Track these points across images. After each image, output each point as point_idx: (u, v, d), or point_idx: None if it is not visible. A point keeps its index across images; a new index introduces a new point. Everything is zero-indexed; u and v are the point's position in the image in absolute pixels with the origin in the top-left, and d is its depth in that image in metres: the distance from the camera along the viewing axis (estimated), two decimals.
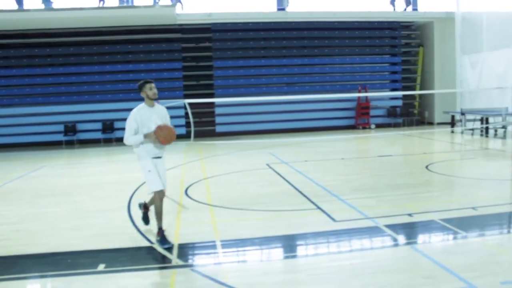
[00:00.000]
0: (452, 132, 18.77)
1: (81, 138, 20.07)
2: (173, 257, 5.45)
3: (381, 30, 23.09)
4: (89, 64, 20.69)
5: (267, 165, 12.08)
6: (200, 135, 19.67)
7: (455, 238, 5.84)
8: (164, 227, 5.92)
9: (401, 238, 5.88)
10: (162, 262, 5.37)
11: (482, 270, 4.63)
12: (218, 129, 21.38)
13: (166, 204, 8.17)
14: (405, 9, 22.76)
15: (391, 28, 23.14)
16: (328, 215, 6.92)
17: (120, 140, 19.82)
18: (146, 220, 6.57)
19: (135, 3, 19.86)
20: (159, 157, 6.03)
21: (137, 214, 7.49)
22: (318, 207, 7.42)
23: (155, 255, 5.58)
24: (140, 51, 21.13)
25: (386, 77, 23.61)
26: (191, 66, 21.61)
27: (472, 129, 17.89)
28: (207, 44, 21.78)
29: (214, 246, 5.78)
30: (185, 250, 5.69)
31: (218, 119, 21.42)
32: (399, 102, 23.11)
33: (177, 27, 21.15)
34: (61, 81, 20.50)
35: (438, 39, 23.10)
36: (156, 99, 6.12)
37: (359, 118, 22.30)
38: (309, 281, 4.62)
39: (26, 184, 11.00)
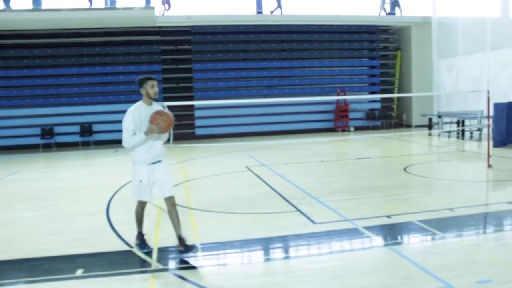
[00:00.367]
0: (430, 134, 19.05)
1: (58, 141, 19.79)
2: (153, 261, 5.41)
3: (359, 34, 23.35)
4: (67, 66, 20.43)
5: (247, 167, 12.08)
6: (179, 138, 19.61)
7: (432, 239, 5.92)
8: (144, 231, 5.86)
9: (380, 240, 5.94)
10: (141, 266, 5.32)
11: (459, 270, 4.70)
12: (198, 132, 21.32)
13: (146, 208, 8.12)
14: (393, 13, 23.05)
15: (369, 32, 23.42)
16: (308, 217, 6.95)
17: (99, 143, 19.88)
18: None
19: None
20: (159, 161, 5.49)
21: (116, 218, 7.43)
22: (298, 210, 7.45)
23: (134, 259, 5.52)
24: (119, 53, 20.97)
25: (364, 80, 23.87)
26: (170, 68, 21.52)
27: (449, 132, 18.18)
28: (186, 46, 21.71)
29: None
30: (165, 254, 5.65)
31: (197, 122, 21.36)
32: (378, 105, 23.38)
33: (156, 29, 21.05)
34: (37, 83, 20.21)
35: (415, 43, 23.47)
36: (155, 99, 5.61)
37: (338, 121, 22.48)
38: (289, 283, 4.63)
39: (2, 188, 10.80)
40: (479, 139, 16.68)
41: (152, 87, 5.43)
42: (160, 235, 6.41)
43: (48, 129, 19.65)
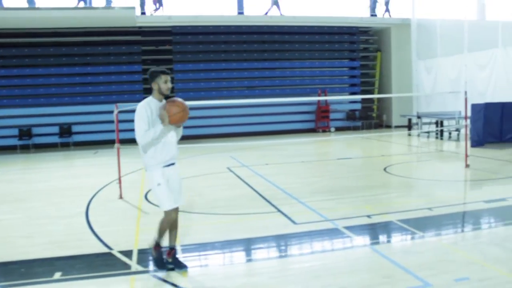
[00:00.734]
0: (409, 135, 19.27)
1: (36, 142, 19.48)
2: (133, 263, 5.35)
3: (340, 35, 23.51)
4: (45, 66, 20.13)
5: (228, 168, 12.05)
6: None
7: (412, 238, 5.99)
8: (128, 236, 5.77)
9: (360, 239, 5.98)
10: (121, 268, 5.26)
11: (437, 268, 4.76)
12: None
13: (125, 209, 8.06)
14: (375, 15, 23.31)
15: (350, 33, 23.60)
16: (289, 218, 6.96)
17: (78, 145, 19.64)
18: (179, 264, 5.13)
19: (94, 5, 19.51)
20: (172, 164, 5.01)
21: (96, 219, 7.34)
22: (279, 210, 7.46)
23: (114, 261, 5.46)
24: (99, 54, 20.75)
25: (345, 81, 24.04)
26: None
27: (428, 132, 18.42)
28: (167, 47, 21.59)
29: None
30: (145, 256, 5.59)
31: None
32: (358, 106, 23.56)
33: (136, 29, 20.89)
34: (14, 83, 19.86)
35: (395, 44, 23.72)
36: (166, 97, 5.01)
37: (319, 122, 22.59)
38: (270, 284, 4.63)
39: None
40: (457, 139, 16.93)
41: (165, 82, 4.91)
42: (140, 236, 6.34)
43: (26, 130, 19.33)
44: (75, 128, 19.80)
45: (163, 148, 4.89)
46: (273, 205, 7.82)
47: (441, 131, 17.86)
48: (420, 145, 16.42)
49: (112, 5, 19.14)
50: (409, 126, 19.97)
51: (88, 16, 18.47)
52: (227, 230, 6.53)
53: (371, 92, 24.35)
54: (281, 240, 6.03)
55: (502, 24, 16.53)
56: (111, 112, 9.13)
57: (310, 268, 5.03)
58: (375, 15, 23.46)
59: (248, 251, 5.83)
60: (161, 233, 5.11)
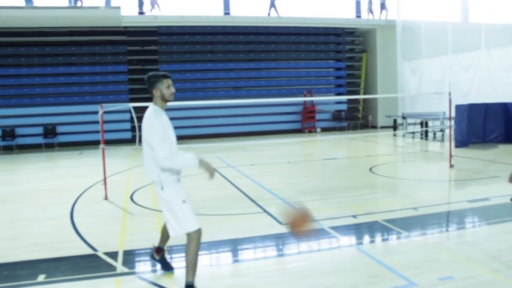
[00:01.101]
0: (394, 135, 19.42)
1: (20, 143, 19.23)
2: (118, 264, 5.31)
3: (326, 36, 23.61)
4: (29, 66, 19.90)
5: (214, 169, 12.00)
6: None
7: (397, 238, 6.03)
8: (113, 235, 5.74)
9: (346, 239, 6.01)
10: (106, 270, 5.21)
11: (422, 267, 4.80)
12: None
13: (111, 210, 8.00)
14: (380, 15, 23.45)
15: (335, 34, 23.72)
16: (275, 218, 6.97)
17: (63, 145, 19.42)
18: (166, 265, 5.02)
19: (79, 4, 19.33)
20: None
21: (81, 221, 7.27)
22: (265, 211, 7.46)
23: (99, 263, 5.41)
24: (84, 53, 20.57)
25: (331, 81, 24.15)
26: (136, 69, 21.24)
27: (413, 133, 18.58)
28: (153, 47, 21.48)
29: None
30: (130, 257, 5.56)
31: None
32: (344, 106, 23.68)
33: (122, 29, 20.75)
34: None
35: (380, 45, 23.89)
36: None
37: (305, 122, 22.66)
38: (256, 284, 4.63)
39: None
40: (442, 140, 17.11)
41: (168, 87, 4.34)
42: (126, 237, 6.30)
43: (9, 131, 19.07)
44: (59, 129, 19.60)
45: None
46: (259, 206, 7.82)
47: (426, 132, 18.04)
48: (405, 146, 16.56)
49: (98, 4, 19.00)
50: (395, 127, 20.13)
51: (73, 15, 18.29)
52: (213, 230, 6.51)
53: (357, 93, 24.50)
54: (267, 241, 6.03)
55: (484, 27, 16.76)
56: (96, 112, 9.04)
57: (296, 268, 5.05)
58: (360, 17, 23.61)
59: (234, 252, 5.82)
60: (194, 266, 4.31)
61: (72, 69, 20.38)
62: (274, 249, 5.81)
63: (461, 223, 6.76)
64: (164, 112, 4.39)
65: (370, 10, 23.56)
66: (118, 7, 18.51)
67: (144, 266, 5.36)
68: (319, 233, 6.22)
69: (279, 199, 8.31)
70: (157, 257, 4.98)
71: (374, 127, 24.12)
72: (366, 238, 6.15)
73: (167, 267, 5.02)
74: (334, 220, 6.75)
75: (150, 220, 7.20)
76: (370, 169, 11.27)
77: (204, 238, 6.09)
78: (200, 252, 5.47)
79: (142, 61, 21.46)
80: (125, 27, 20.73)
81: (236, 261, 5.53)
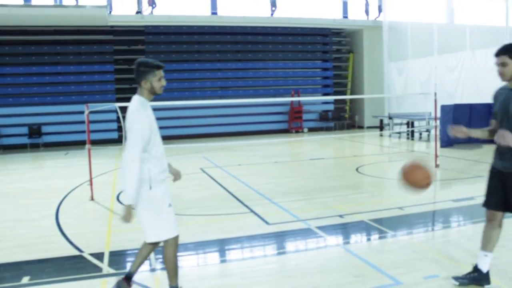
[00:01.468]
0: (381, 135, 19.55)
1: (5, 143, 19.00)
2: (104, 265, 5.28)
3: (313, 36, 23.69)
4: (14, 65, 19.68)
5: (201, 169, 12.01)
6: None
7: (383, 237, 6.07)
8: (100, 238, 5.69)
9: (333, 239, 6.03)
10: (92, 271, 5.17)
11: (407, 266, 4.84)
12: None
13: (97, 211, 7.94)
14: (377, 16, 23.52)
15: (322, 35, 23.81)
16: (261, 218, 6.97)
17: (48, 145, 19.23)
18: None
19: (65, 3, 19.15)
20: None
21: (66, 222, 7.21)
22: (252, 211, 7.46)
23: (84, 264, 5.37)
24: (70, 53, 20.39)
25: (318, 82, 24.24)
26: (123, 69, 21.11)
27: (399, 133, 18.72)
28: (140, 46, 21.37)
29: None
30: (116, 258, 5.53)
31: None
32: (331, 107, 23.79)
33: (108, 28, 20.61)
34: None
35: (367, 46, 24.04)
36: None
37: (292, 122, 22.71)
38: (243, 284, 4.63)
39: None
40: (428, 140, 17.27)
41: (159, 80, 3.93)
42: (112, 238, 6.26)
43: None
44: (45, 129, 19.41)
45: (163, 155, 4.07)
46: (246, 206, 7.82)
47: (412, 132, 18.18)
48: (391, 146, 16.68)
49: (84, 3, 18.83)
50: (381, 127, 20.26)
51: (59, 14, 18.11)
52: (200, 231, 6.50)
53: (344, 93, 24.62)
54: (254, 241, 6.04)
55: (469, 28, 16.95)
56: (82, 112, 8.97)
57: (282, 268, 5.06)
58: (347, 17, 23.72)
59: (221, 252, 5.82)
60: (175, 271, 4.13)
61: (57, 69, 20.20)
62: (261, 249, 5.81)
63: (446, 222, 6.83)
64: (149, 105, 4.01)
65: (367, 12, 23.67)
66: (105, 6, 18.37)
67: (129, 267, 5.32)
68: (306, 233, 6.25)
69: (266, 199, 8.32)
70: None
71: (361, 127, 24.25)
72: (353, 238, 6.19)
73: None
74: (320, 220, 6.78)
75: (136, 221, 7.14)
76: (357, 169, 11.33)
77: (191, 239, 6.10)
78: (187, 253, 5.46)
79: (128, 60, 21.32)
80: (112, 27, 20.59)
81: (223, 261, 5.53)
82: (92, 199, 8.66)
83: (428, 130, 17.91)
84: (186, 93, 21.54)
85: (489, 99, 4.50)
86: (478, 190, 8.51)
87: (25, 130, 19.25)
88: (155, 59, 4.01)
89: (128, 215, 3.80)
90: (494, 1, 16.67)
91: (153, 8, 20.64)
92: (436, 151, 11.27)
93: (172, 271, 4.11)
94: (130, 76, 21.12)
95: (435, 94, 11.43)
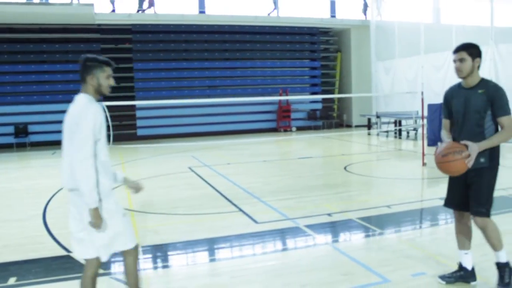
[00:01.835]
0: (369, 134, 19.65)
1: None
2: None
3: (301, 35, 23.74)
4: None
5: (189, 168, 11.98)
6: (120, 139, 19.08)
7: (371, 235, 6.12)
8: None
9: (321, 238, 6.06)
10: (80, 271, 5.12)
11: (395, 264, 4.88)
12: (140, 132, 20.90)
13: None
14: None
15: (310, 34, 23.86)
16: (250, 217, 6.98)
17: (35, 145, 19.04)
18: None
19: (51, 0, 18.95)
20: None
21: (53, 222, 7.15)
22: (240, 210, 7.47)
23: (72, 264, 5.33)
24: (56, 51, 20.19)
25: (306, 81, 24.29)
26: None
27: (387, 131, 18.84)
28: (127, 45, 21.24)
29: None
30: None
31: (139, 122, 20.93)
32: (319, 106, 23.85)
33: (95, 27, 20.44)
34: None
35: (354, 45, 24.14)
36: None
37: (281, 121, 22.74)
38: (231, 283, 4.63)
39: None
40: (415, 138, 17.40)
41: (107, 78, 3.62)
42: None
43: None
44: (31, 128, 19.21)
45: (109, 161, 3.61)
46: (234, 205, 7.82)
47: (399, 131, 18.30)
48: (379, 144, 16.77)
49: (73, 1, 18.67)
50: (369, 126, 20.36)
51: (45, 12, 17.92)
52: (188, 230, 6.49)
53: (332, 92, 24.69)
54: (243, 240, 6.04)
55: (455, 28, 17.08)
56: None
57: (271, 266, 5.07)
58: (335, 16, 23.80)
59: (210, 251, 5.81)
60: (139, 280, 3.86)
61: (44, 67, 20.00)
62: (250, 248, 5.82)
63: (433, 220, 6.89)
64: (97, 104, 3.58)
65: (365, 12, 23.76)
66: (91, 4, 18.20)
67: (118, 266, 5.29)
68: (294, 232, 6.26)
69: (255, 198, 8.32)
70: None
71: (349, 126, 24.36)
72: (341, 236, 6.22)
73: None
74: (309, 218, 6.80)
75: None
76: (345, 168, 11.38)
77: (180, 238, 6.09)
78: (176, 252, 5.45)
79: (116, 59, 20.85)
80: (99, 25, 20.43)
81: (212, 260, 5.52)
82: None
83: (415, 129, 18.04)
84: (174, 92, 21.45)
85: None
86: None
87: (11, 129, 19.04)
88: (103, 57, 3.69)
89: (97, 219, 3.42)
90: (479, 2, 16.84)
91: (153, 8, 20.52)
92: (423, 150, 11.36)
93: (138, 283, 3.85)
94: (117, 75, 20.92)
95: (422, 93, 11.52)
